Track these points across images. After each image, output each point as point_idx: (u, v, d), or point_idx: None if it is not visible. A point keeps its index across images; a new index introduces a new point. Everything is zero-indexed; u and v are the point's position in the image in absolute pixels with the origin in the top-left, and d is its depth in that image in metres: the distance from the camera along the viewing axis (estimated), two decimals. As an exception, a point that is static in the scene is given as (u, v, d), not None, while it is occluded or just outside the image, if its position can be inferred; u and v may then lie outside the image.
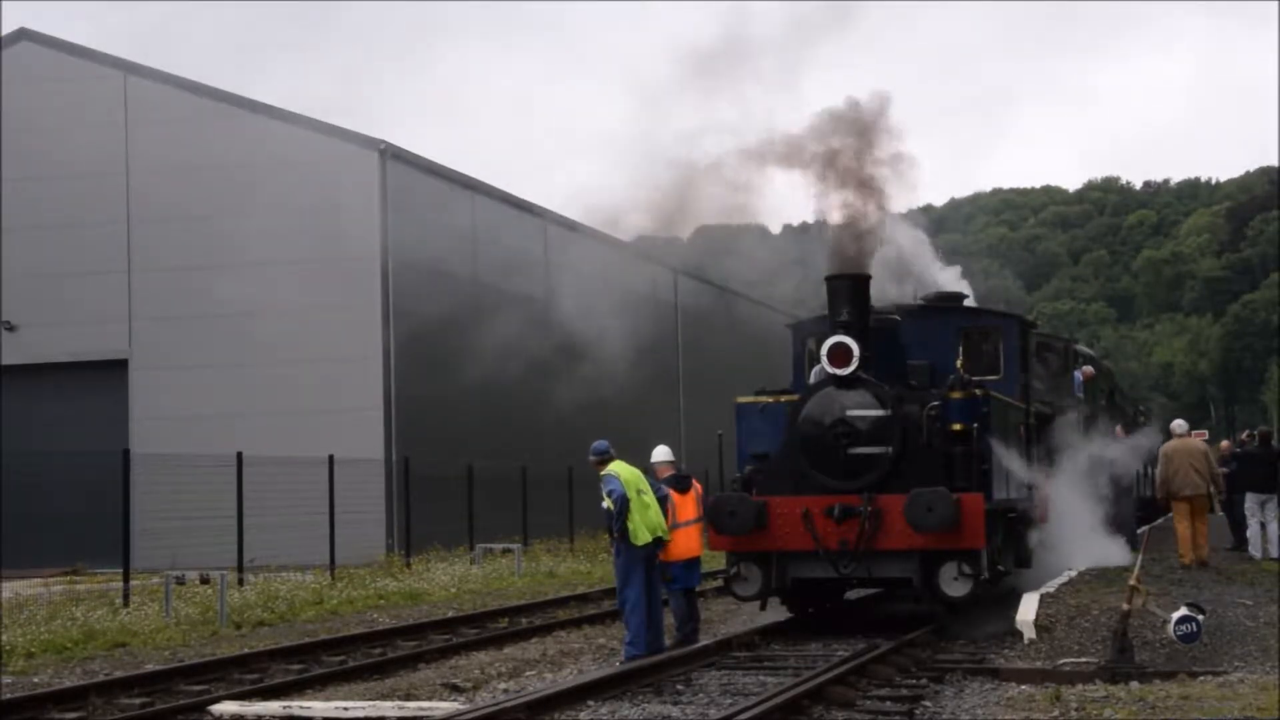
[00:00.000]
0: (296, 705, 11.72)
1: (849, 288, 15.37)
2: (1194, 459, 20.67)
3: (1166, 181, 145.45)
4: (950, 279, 24.02)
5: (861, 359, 14.98)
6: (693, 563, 14.74)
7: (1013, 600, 15.45)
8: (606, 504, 13.74)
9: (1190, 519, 20.62)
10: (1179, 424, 21.88)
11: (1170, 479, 20.63)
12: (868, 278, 15.66)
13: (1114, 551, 20.64)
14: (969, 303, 20.56)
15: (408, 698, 12.17)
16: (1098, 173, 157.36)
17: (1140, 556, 13.70)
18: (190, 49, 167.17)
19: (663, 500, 14.30)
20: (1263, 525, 22.78)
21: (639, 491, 13.88)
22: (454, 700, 12.07)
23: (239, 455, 23.94)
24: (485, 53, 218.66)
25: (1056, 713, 10.19)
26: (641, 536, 13.81)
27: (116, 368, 34.89)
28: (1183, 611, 12.40)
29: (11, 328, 35.26)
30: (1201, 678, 11.32)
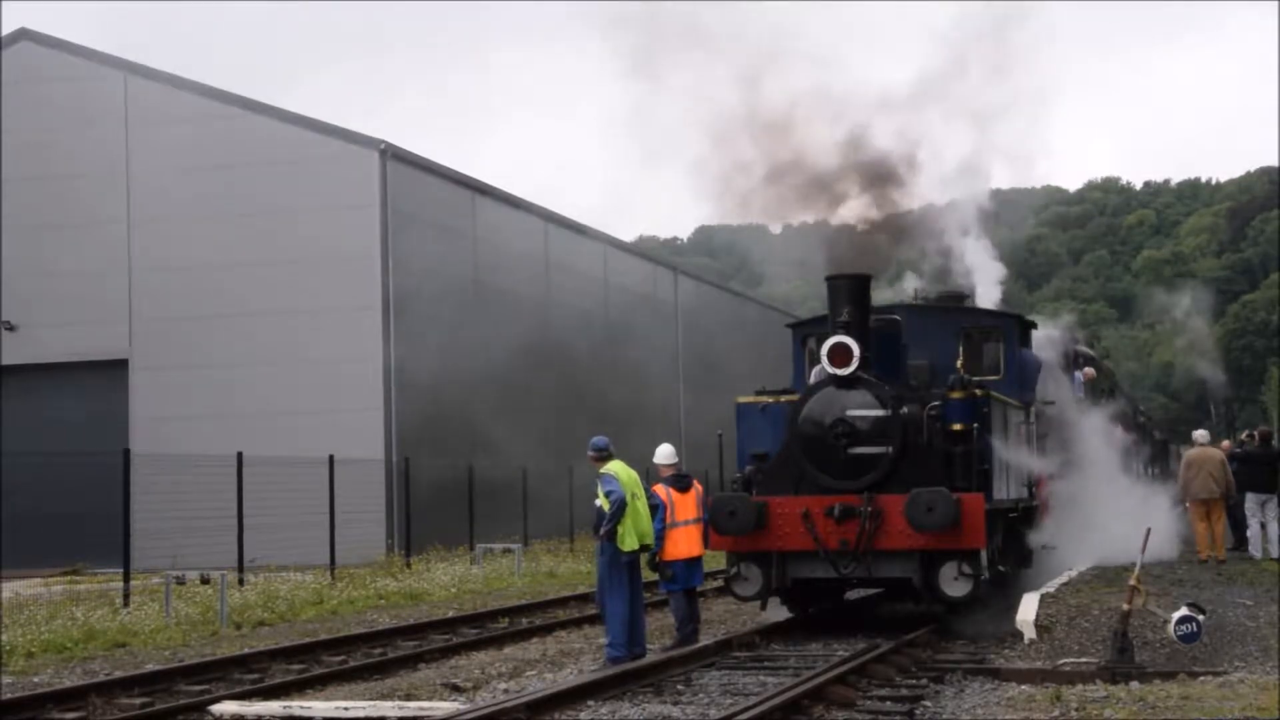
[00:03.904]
0: (296, 705, 11.72)
1: (849, 288, 15.37)
2: (1211, 466, 22.09)
3: (1167, 182, 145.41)
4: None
5: (861, 359, 14.98)
6: (694, 562, 14.74)
7: (1013, 600, 15.45)
8: (601, 503, 13.70)
9: (1207, 519, 22.16)
10: (1202, 434, 23.68)
11: (1189, 483, 22.18)
12: (868, 277, 15.66)
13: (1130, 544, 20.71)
14: (970, 303, 20.60)
15: (408, 698, 12.17)
16: (1098, 173, 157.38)
17: (1141, 556, 13.66)
18: (196, 51, 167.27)
19: (654, 509, 14.28)
20: (1263, 525, 22.96)
21: (634, 496, 13.86)
22: (454, 700, 12.07)
23: (239, 455, 23.94)
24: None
25: (1056, 713, 10.19)
26: (629, 543, 13.77)
27: (116, 368, 34.89)
28: (1183, 611, 12.40)
29: (11, 328, 35.25)
30: (1201, 678, 11.32)
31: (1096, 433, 23.42)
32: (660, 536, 14.29)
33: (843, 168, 16.83)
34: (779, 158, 16.91)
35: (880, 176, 16.78)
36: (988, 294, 25.27)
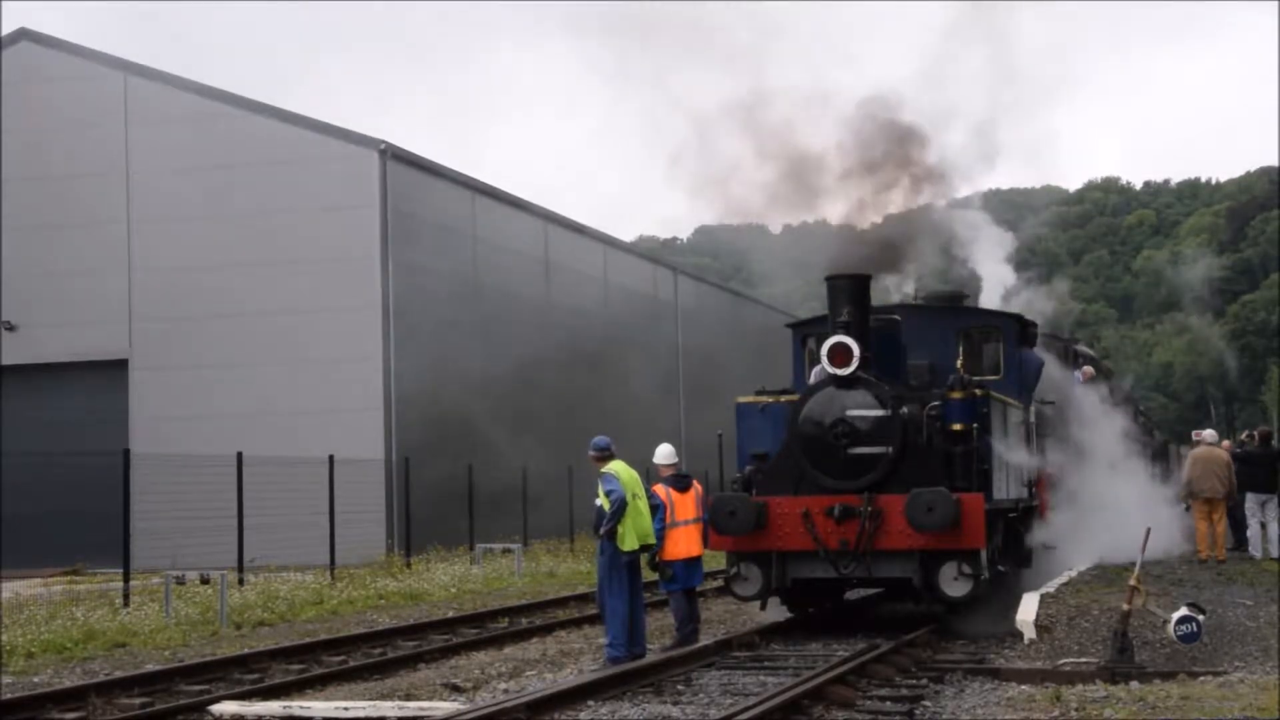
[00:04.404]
0: (296, 705, 11.72)
1: (849, 287, 15.37)
2: (1217, 466, 22.19)
3: (1166, 182, 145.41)
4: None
5: (861, 359, 14.98)
6: (693, 562, 14.74)
7: (1013, 600, 15.46)
8: (602, 502, 13.70)
9: (1210, 519, 22.24)
10: (1209, 433, 24.04)
11: (1194, 481, 22.24)
12: (868, 277, 15.67)
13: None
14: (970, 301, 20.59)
15: (408, 698, 12.17)
16: (1098, 173, 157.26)
17: (1141, 556, 13.67)
18: (196, 51, 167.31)
19: (655, 509, 14.28)
20: (1263, 525, 23.02)
21: (634, 496, 13.86)
22: (454, 700, 12.07)
23: (239, 455, 23.94)
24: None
25: (1056, 713, 10.19)
26: (629, 543, 13.77)
27: (116, 368, 34.89)
28: (1183, 611, 12.41)
29: (11, 328, 35.25)
30: (1201, 678, 11.33)
31: (1097, 430, 23.46)
32: (660, 536, 14.29)
33: (846, 163, 16.87)
34: (781, 157, 16.94)
35: (889, 164, 16.80)
36: (995, 275, 25.12)
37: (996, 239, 25.86)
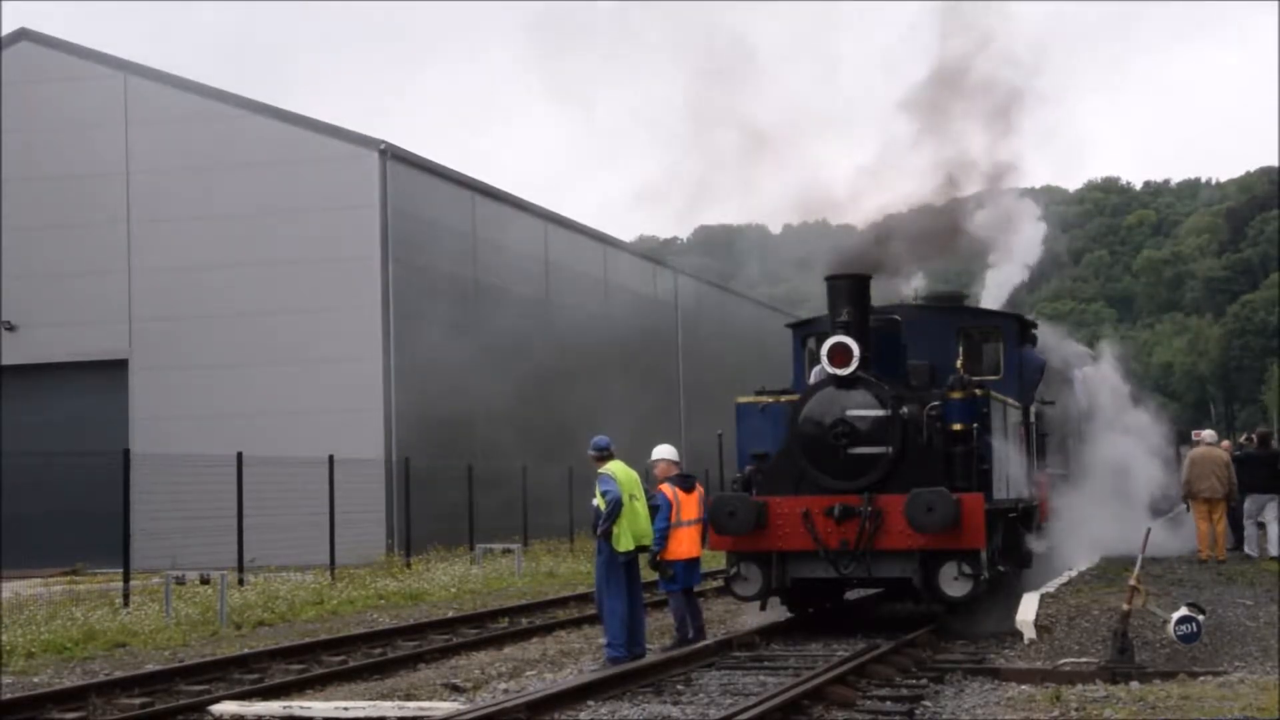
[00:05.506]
0: (296, 705, 11.72)
1: (849, 287, 15.37)
2: (1216, 466, 22.25)
3: (1166, 182, 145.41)
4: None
5: (861, 359, 14.98)
6: (693, 563, 14.73)
7: (1013, 600, 15.45)
8: (598, 502, 13.72)
9: (1210, 519, 22.33)
10: (1209, 433, 24.34)
11: (1193, 480, 22.29)
12: (868, 277, 15.67)
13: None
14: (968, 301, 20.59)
15: (408, 698, 12.17)
16: (1098, 173, 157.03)
17: (1141, 556, 13.67)
18: (196, 51, 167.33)
19: (655, 509, 14.27)
20: (1262, 525, 23.04)
21: (631, 496, 13.85)
22: (454, 700, 12.07)
23: (239, 455, 23.94)
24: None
25: (1056, 713, 10.20)
26: (624, 543, 13.76)
27: (116, 368, 34.89)
28: (1183, 611, 12.40)
29: (11, 328, 35.25)
30: (1201, 678, 11.32)
31: (1097, 428, 23.53)
32: (664, 535, 14.27)
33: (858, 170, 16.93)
34: (793, 160, 16.98)
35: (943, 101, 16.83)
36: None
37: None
